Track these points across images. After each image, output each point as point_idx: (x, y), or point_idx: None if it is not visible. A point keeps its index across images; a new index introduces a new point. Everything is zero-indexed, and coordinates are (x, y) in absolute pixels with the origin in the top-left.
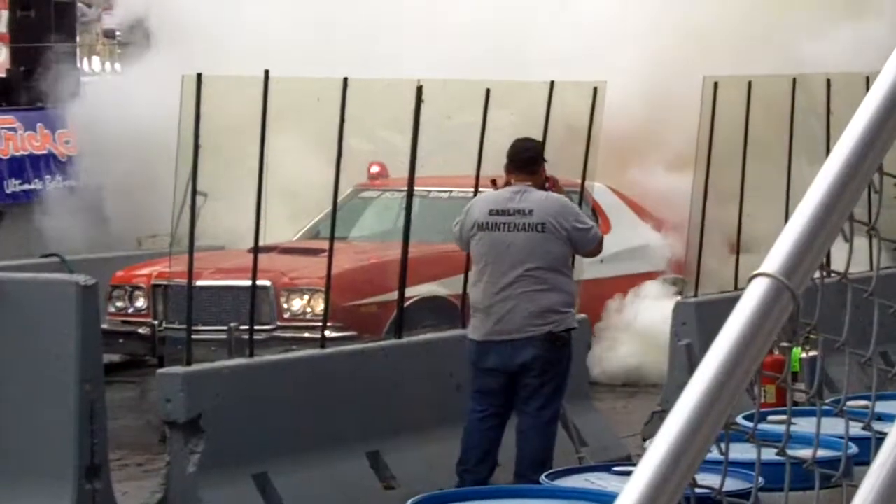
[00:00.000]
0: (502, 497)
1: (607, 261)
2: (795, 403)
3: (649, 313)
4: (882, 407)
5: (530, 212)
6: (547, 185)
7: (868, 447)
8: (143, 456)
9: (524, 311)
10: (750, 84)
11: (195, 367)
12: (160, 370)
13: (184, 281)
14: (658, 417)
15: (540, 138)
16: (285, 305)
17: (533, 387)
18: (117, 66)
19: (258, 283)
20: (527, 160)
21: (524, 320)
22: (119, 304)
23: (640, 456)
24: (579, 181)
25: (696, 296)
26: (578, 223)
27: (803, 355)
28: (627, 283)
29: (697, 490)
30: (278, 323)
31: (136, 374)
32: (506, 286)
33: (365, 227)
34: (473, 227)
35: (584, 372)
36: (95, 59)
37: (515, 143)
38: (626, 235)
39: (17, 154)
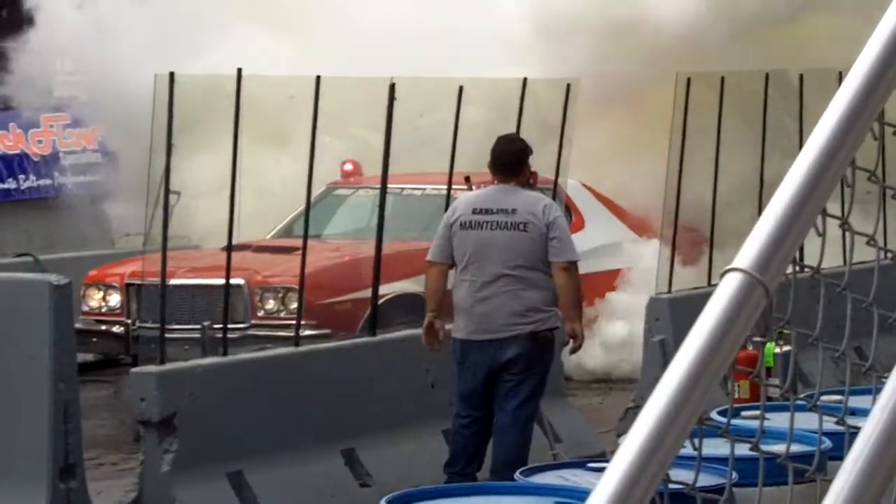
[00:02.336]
0: (476, 494)
1: (581, 257)
2: (770, 398)
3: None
4: (855, 402)
5: (513, 211)
6: (531, 181)
7: (842, 442)
8: (117, 455)
9: (507, 310)
10: (723, 80)
11: (169, 365)
12: (134, 369)
13: (157, 280)
14: (632, 413)
15: None
16: (259, 304)
17: (512, 384)
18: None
19: (232, 281)
20: (510, 164)
21: (507, 319)
22: (93, 303)
23: (614, 452)
24: (552, 178)
25: (669, 291)
26: (557, 228)
27: (777, 350)
28: (601, 279)
29: (671, 486)
30: (252, 321)
31: (110, 374)
32: (489, 285)
33: (338, 225)
34: (455, 224)
35: (559, 368)
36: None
37: (500, 142)
38: (600, 232)
39: None
